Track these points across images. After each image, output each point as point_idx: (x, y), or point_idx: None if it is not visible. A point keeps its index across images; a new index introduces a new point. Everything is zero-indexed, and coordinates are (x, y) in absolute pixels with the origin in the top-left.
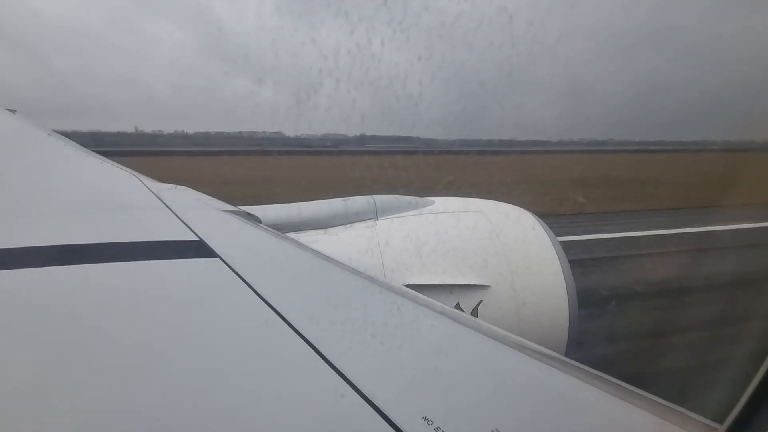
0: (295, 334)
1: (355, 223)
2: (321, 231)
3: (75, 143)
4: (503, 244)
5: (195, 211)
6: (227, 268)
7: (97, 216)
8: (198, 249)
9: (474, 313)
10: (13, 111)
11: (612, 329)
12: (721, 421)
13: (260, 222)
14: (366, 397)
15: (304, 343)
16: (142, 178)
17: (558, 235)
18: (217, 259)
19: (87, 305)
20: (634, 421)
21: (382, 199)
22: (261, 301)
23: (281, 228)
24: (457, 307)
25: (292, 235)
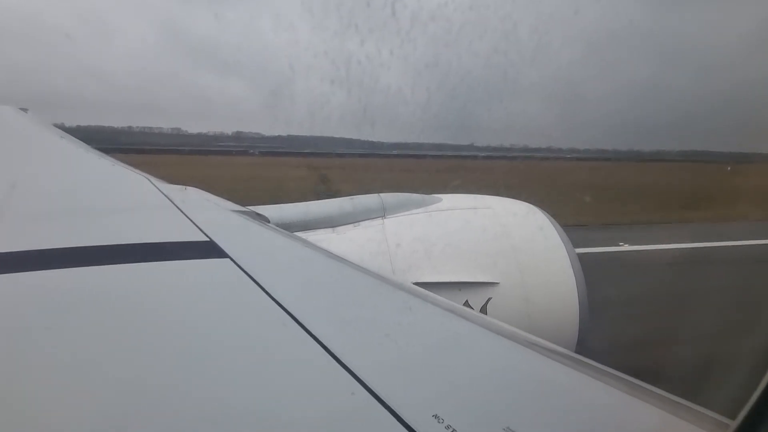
0: (305, 332)
1: (363, 222)
2: (329, 230)
3: (86, 145)
4: (512, 241)
5: (205, 212)
6: (237, 268)
7: (108, 217)
8: (208, 249)
9: (483, 310)
10: (25, 110)
11: None
12: (733, 417)
13: (269, 222)
14: (376, 395)
15: (315, 342)
16: (153, 179)
17: None
18: (227, 259)
19: (98, 307)
20: (646, 417)
21: (389, 197)
22: (271, 300)
23: (289, 227)
24: (467, 304)
25: (300, 234)
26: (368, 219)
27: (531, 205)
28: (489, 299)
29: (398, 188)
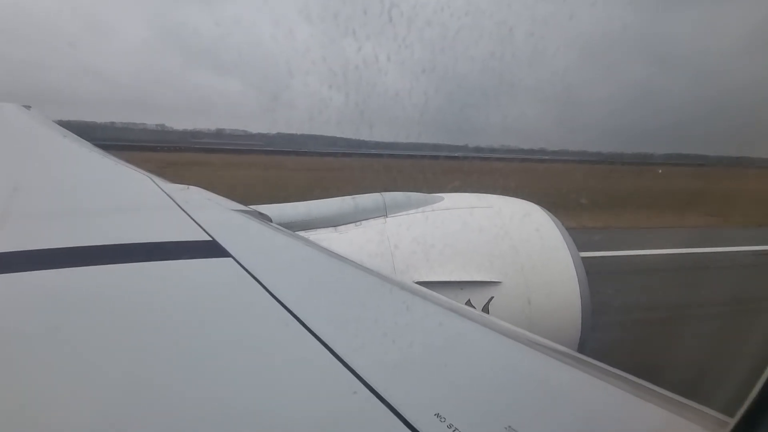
0: (307, 332)
1: (365, 221)
2: (331, 229)
3: (89, 143)
4: (514, 240)
5: (207, 211)
6: (240, 267)
7: (111, 217)
8: (210, 249)
9: (485, 309)
10: (28, 107)
11: None
12: (732, 414)
13: (271, 221)
14: (378, 394)
15: (317, 341)
16: (155, 178)
17: None
18: (230, 258)
19: (100, 306)
20: (648, 416)
21: (391, 196)
22: (273, 300)
23: (291, 226)
24: (468, 303)
25: (302, 233)
26: (370, 218)
27: (533, 204)
28: (491, 298)
29: (391, 189)
